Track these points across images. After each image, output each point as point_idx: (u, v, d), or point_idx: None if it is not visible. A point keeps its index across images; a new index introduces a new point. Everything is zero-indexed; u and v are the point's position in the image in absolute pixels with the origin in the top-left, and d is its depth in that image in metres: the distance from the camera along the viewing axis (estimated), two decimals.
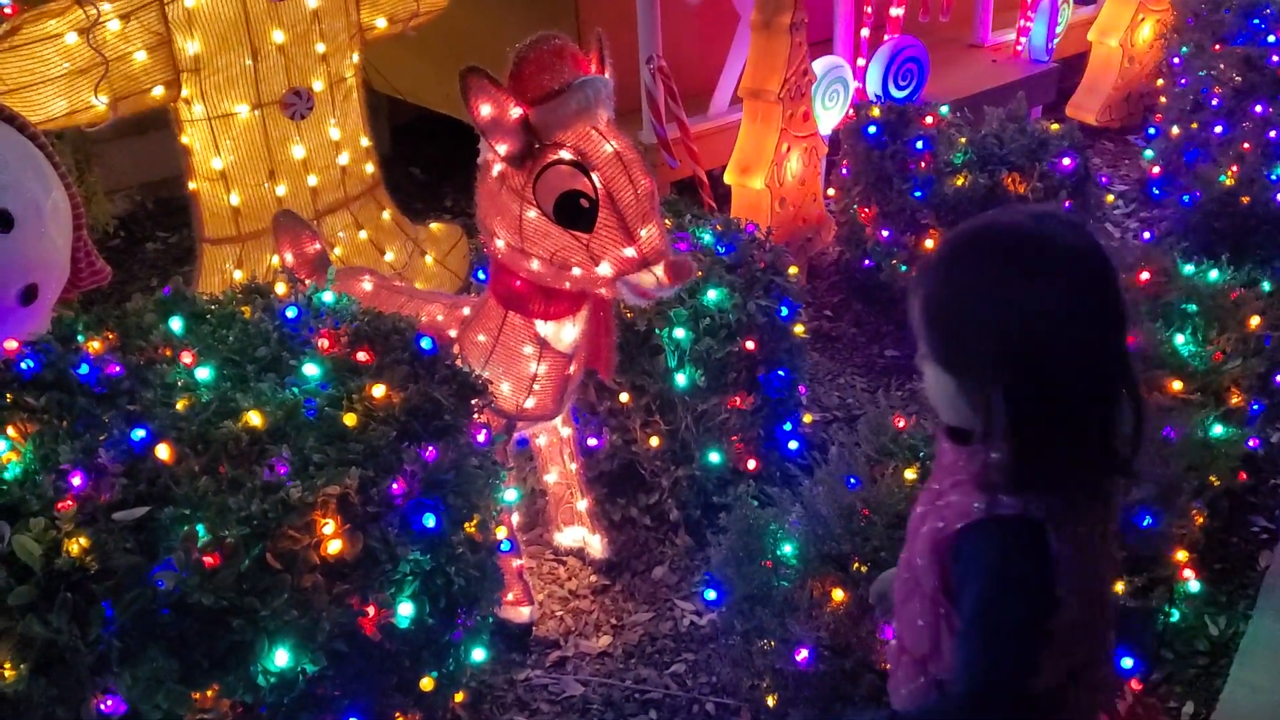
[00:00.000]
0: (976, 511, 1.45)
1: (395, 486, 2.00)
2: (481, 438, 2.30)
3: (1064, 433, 1.41)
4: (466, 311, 2.71)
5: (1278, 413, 3.60)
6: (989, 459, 1.44)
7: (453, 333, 2.67)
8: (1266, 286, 3.59)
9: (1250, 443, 3.19)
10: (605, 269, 2.35)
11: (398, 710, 2.17)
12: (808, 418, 3.55)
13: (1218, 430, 2.94)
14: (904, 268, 4.04)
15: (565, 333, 2.58)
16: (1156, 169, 4.98)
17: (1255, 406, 3.18)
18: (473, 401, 2.32)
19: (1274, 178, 4.14)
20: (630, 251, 2.33)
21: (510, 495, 2.54)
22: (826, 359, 4.12)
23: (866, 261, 4.20)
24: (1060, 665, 1.55)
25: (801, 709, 2.25)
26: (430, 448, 2.10)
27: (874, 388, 3.82)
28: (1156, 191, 4.98)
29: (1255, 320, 3.25)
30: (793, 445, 3.37)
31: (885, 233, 4.08)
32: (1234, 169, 4.20)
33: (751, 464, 3.27)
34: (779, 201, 4.26)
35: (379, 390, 2.12)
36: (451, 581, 2.12)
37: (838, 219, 4.44)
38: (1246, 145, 4.32)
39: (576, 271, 2.38)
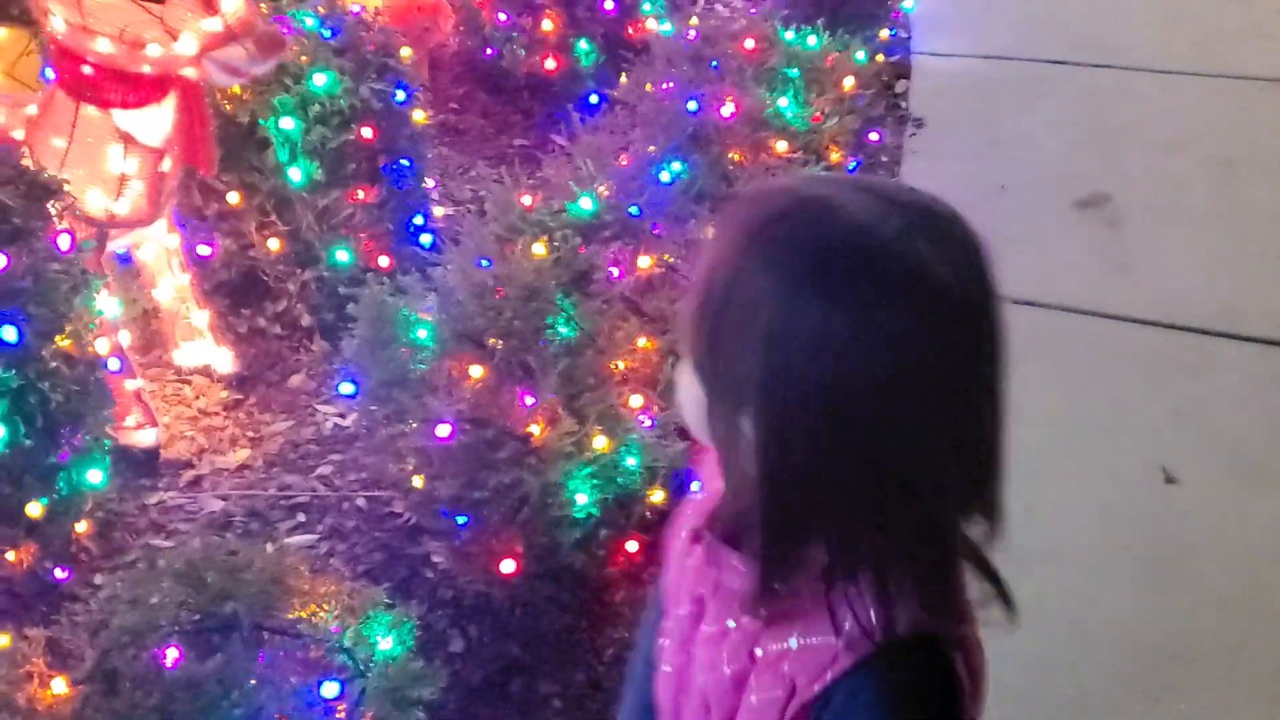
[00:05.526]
0: (845, 652, 0.95)
1: None
2: (65, 244, 2.07)
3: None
4: (33, 110, 2.39)
5: (872, 168, 3.89)
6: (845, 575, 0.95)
7: (18, 134, 2.36)
8: (862, 55, 3.82)
9: None
10: (187, 44, 2.12)
11: (6, 544, 1.98)
12: (439, 211, 3.46)
13: None
14: (522, 52, 3.97)
15: (151, 123, 2.33)
16: None
17: (854, 163, 3.41)
18: (48, 204, 2.08)
19: None
20: (214, 23, 2.11)
21: (107, 306, 2.32)
22: (456, 152, 4.00)
23: (488, 50, 4.09)
24: None
25: (448, 482, 2.25)
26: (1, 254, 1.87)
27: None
28: None
29: (850, 82, 3.44)
30: (426, 239, 3.29)
31: (502, 16, 3.97)
32: None
33: (384, 260, 3.16)
34: None
35: None
36: (47, 399, 1.93)
37: (454, 4, 4.27)
38: None
39: (153, 50, 2.14)
